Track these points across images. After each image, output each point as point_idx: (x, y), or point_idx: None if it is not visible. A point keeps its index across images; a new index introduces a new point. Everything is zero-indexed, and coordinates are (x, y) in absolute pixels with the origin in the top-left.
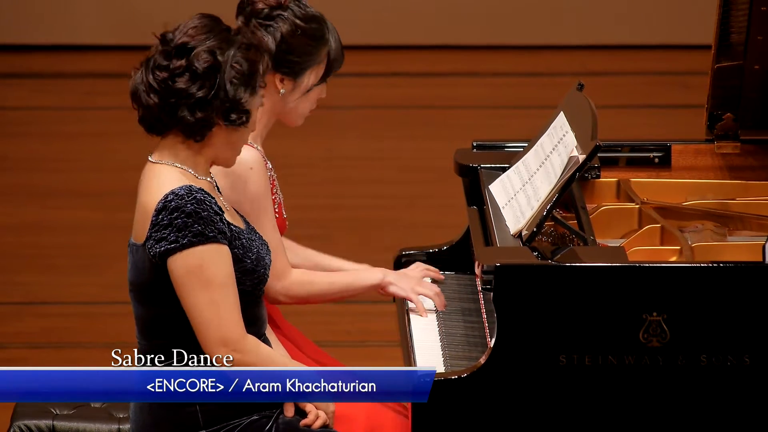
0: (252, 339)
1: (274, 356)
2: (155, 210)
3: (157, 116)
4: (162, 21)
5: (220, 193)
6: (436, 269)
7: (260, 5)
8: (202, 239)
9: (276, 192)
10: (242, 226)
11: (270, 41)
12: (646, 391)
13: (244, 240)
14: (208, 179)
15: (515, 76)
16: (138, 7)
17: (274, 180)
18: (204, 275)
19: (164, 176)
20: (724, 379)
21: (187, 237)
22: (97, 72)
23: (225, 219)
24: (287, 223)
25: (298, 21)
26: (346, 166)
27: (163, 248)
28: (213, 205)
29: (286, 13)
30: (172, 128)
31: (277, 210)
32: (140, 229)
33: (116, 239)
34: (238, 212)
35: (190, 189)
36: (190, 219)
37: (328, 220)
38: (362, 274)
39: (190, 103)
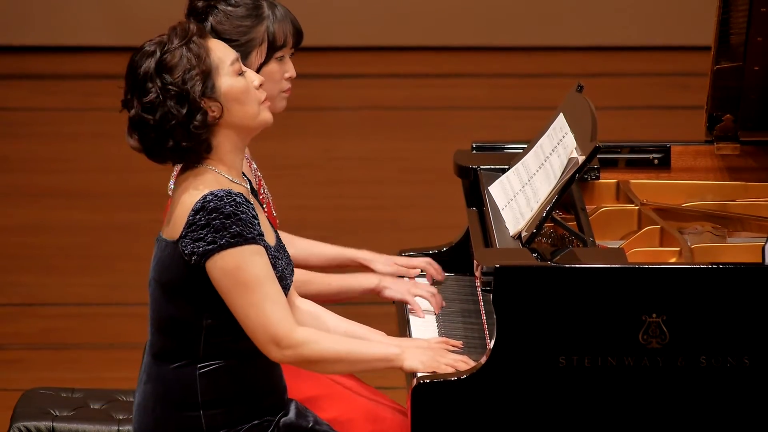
0: (304, 329)
1: (338, 339)
2: (192, 209)
3: (152, 152)
4: (162, 22)
5: (261, 204)
6: (439, 267)
7: (196, 2)
8: (241, 240)
9: (263, 192)
10: (272, 242)
11: None
12: (646, 392)
13: (270, 257)
14: (245, 185)
15: (515, 77)
16: (138, 9)
17: (260, 179)
18: (242, 277)
19: (201, 177)
20: (723, 381)
21: (225, 238)
22: (97, 73)
23: (259, 227)
24: (278, 221)
25: (228, 8)
26: (345, 167)
27: (201, 249)
28: (251, 210)
29: (219, 5)
30: (169, 160)
31: (266, 209)
32: (174, 226)
33: (116, 240)
34: (271, 225)
35: (229, 192)
36: (229, 220)
37: (328, 220)
38: (359, 278)
39: (160, 135)
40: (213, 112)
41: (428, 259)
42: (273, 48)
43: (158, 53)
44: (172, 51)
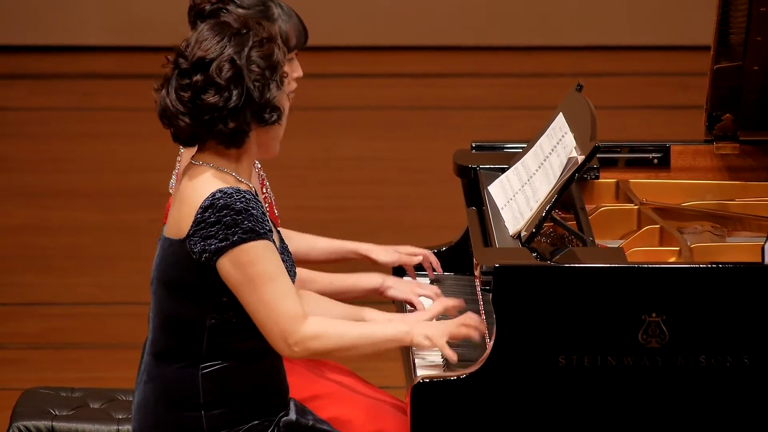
0: (312, 322)
1: (345, 326)
2: (201, 207)
3: (193, 133)
4: (162, 22)
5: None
6: (437, 262)
7: (204, 5)
8: (253, 236)
9: (266, 191)
10: (277, 243)
11: None
12: (646, 391)
13: None
14: (251, 184)
15: (515, 77)
16: (138, 8)
17: (264, 179)
18: (253, 273)
19: (209, 175)
20: (723, 380)
21: (237, 234)
22: (97, 72)
23: (269, 223)
24: (279, 221)
25: (240, 9)
26: (345, 167)
27: (213, 246)
28: (260, 206)
29: (228, 6)
30: (210, 140)
31: (267, 209)
32: (180, 225)
33: (116, 240)
34: (275, 226)
35: (238, 189)
36: (240, 216)
37: (328, 221)
38: (362, 277)
39: (223, 116)
40: (271, 117)
41: (428, 252)
42: (287, 49)
43: (250, 39)
44: (266, 42)
